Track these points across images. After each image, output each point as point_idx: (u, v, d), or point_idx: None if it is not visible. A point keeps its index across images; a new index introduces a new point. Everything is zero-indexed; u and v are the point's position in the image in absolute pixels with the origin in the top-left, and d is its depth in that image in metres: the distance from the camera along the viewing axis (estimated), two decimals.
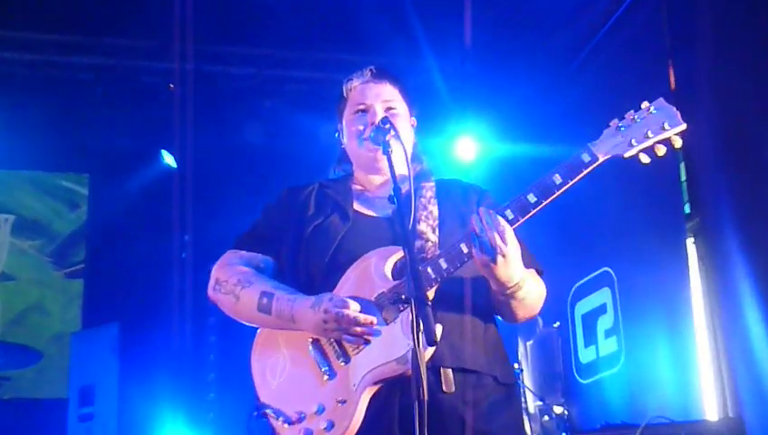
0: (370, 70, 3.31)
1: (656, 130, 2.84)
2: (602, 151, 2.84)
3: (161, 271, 8.48)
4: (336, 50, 8.18)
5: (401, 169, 2.97)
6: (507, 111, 8.37)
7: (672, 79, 6.17)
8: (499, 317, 3.14)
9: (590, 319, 7.22)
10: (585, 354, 7.30)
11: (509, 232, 2.77)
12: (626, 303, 6.69)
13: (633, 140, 2.83)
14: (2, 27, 7.69)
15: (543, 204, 2.82)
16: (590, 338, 7.20)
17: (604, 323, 6.98)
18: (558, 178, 2.81)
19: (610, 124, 2.88)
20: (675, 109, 2.87)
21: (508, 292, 2.89)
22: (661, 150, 2.84)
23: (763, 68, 5.30)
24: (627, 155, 2.84)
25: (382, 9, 7.51)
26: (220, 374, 8.62)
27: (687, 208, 6.19)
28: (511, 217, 2.81)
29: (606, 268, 6.99)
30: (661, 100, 2.89)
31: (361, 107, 3.23)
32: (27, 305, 9.25)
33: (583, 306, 7.38)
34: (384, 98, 3.24)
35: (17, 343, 8.82)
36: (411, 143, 3.29)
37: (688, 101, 5.96)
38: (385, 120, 3.06)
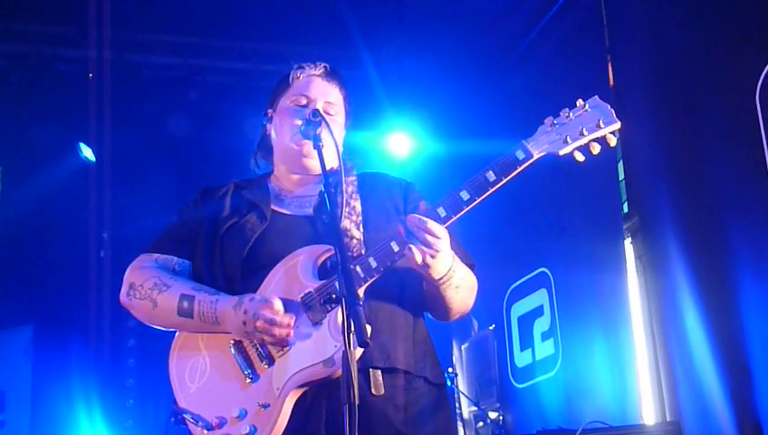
0: (324, 66, 3.32)
1: (591, 128, 2.89)
2: (537, 149, 2.88)
3: (78, 270, 8.35)
4: (264, 39, 8.14)
5: (328, 163, 2.99)
6: (442, 107, 8.40)
7: (611, 76, 6.25)
8: (431, 315, 3.15)
9: (527, 321, 7.27)
10: (521, 358, 7.36)
11: (437, 227, 2.80)
12: (563, 305, 6.75)
13: (568, 138, 2.89)
14: None
15: (477, 201, 2.85)
16: (527, 341, 7.26)
17: (541, 325, 7.04)
18: (492, 176, 2.84)
19: (545, 121, 2.92)
20: (609, 107, 2.93)
21: (443, 280, 2.90)
22: (596, 148, 2.90)
23: (704, 65, 5.39)
24: (562, 152, 2.89)
25: None
26: (140, 380, 8.52)
27: (626, 208, 6.28)
28: (443, 214, 2.84)
29: (543, 269, 7.05)
30: (596, 98, 2.96)
31: (303, 100, 3.22)
32: None
33: (519, 308, 7.43)
34: (328, 99, 3.25)
35: None
36: (339, 148, 3.27)
37: (627, 98, 6.05)
38: (315, 112, 3.05)
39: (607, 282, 6.12)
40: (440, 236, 2.80)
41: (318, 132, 3.00)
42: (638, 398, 5.79)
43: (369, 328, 2.66)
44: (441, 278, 2.90)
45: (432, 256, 2.80)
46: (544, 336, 6.95)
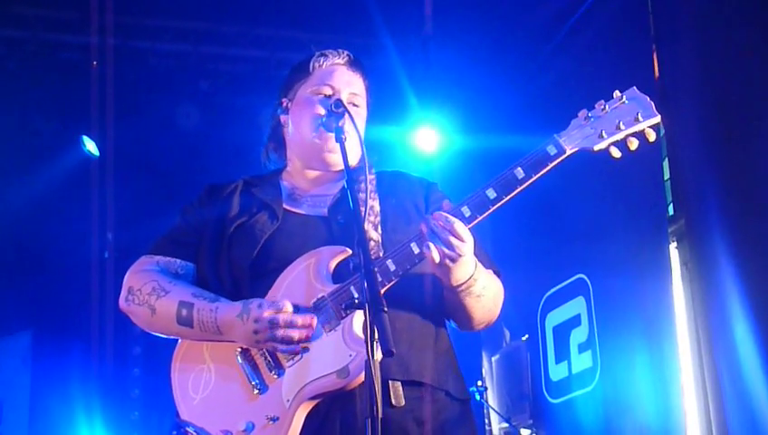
0: (348, 54, 3.33)
1: (628, 122, 2.89)
2: (570, 144, 2.88)
3: (81, 273, 8.40)
4: (280, 25, 8.14)
5: (351, 158, 2.99)
6: (472, 100, 8.40)
7: (656, 67, 6.24)
8: (454, 324, 3.15)
9: (563, 332, 7.26)
10: (556, 371, 7.34)
11: (463, 229, 2.80)
12: (602, 314, 6.72)
13: (603, 132, 2.88)
14: None
15: (504, 200, 2.85)
16: (563, 353, 7.24)
17: (578, 336, 7.02)
18: (520, 173, 2.85)
19: (579, 115, 2.93)
20: (648, 99, 2.92)
21: (463, 287, 2.90)
22: (634, 144, 2.89)
23: (757, 57, 5.37)
24: (596, 148, 2.89)
25: None
26: (146, 391, 8.56)
27: (671, 210, 6.26)
28: (468, 214, 2.85)
29: (580, 275, 7.03)
30: (634, 89, 2.95)
31: (327, 90, 3.23)
32: None
33: (555, 317, 7.41)
34: (353, 89, 3.27)
35: None
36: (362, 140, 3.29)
37: (674, 91, 6.02)
38: (338, 103, 3.07)
39: (650, 289, 6.10)
40: (465, 239, 2.80)
41: (340, 124, 3.01)
42: (683, 414, 5.76)
43: None
44: (460, 285, 2.90)
45: (452, 260, 2.80)
46: (582, 348, 6.94)
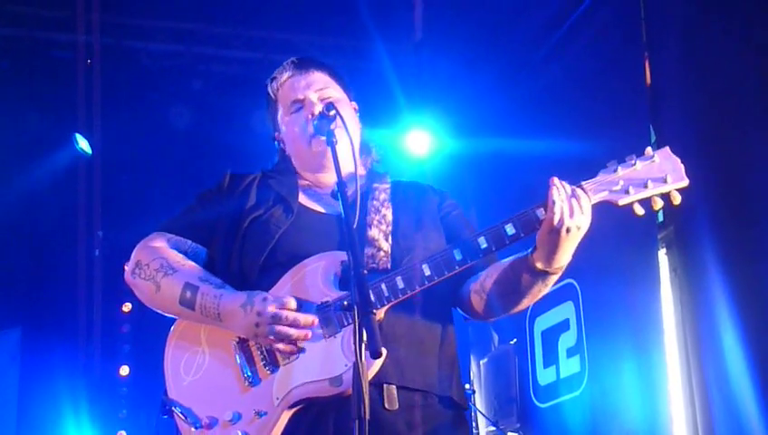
0: (292, 62, 3.38)
1: (656, 182, 2.89)
2: (596, 193, 2.88)
3: (70, 270, 8.38)
4: (273, 27, 8.15)
5: (349, 162, 3.00)
6: (463, 103, 8.38)
7: (648, 73, 6.23)
8: (468, 314, 3.14)
9: (551, 336, 7.25)
10: (544, 375, 7.34)
11: (589, 207, 2.82)
12: (591, 319, 6.72)
13: (631, 188, 2.88)
14: None
15: (522, 237, 2.86)
16: (551, 357, 7.23)
17: (566, 340, 7.01)
18: (542, 213, 2.84)
19: (608, 165, 2.92)
20: (680, 162, 2.92)
21: (552, 272, 2.89)
22: (658, 204, 2.90)
23: (749, 64, 5.37)
24: (621, 203, 2.90)
25: None
26: (134, 389, 8.54)
27: (660, 216, 6.26)
28: (484, 245, 2.85)
29: (569, 280, 7.01)
30: (667, 149, 2.95)
31: (297, 104, 3.27)
32: None
33: (543, 322, 7.40)
34: (316, 87, 3.29)
35: None
36: (358, 130, 3.33)
37: (665, 98, 6.02)
38: (330, 105, 3.08)
39: (639, 295, 6.09)
40: (588, 217, 2.81)
41: (332, 128, 3.02)
42: (670, 421, 5.76)
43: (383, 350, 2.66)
44: (551, 271, 2.89)
45: (567, 231, 2.78)
46: (570, 352, 6.93)
